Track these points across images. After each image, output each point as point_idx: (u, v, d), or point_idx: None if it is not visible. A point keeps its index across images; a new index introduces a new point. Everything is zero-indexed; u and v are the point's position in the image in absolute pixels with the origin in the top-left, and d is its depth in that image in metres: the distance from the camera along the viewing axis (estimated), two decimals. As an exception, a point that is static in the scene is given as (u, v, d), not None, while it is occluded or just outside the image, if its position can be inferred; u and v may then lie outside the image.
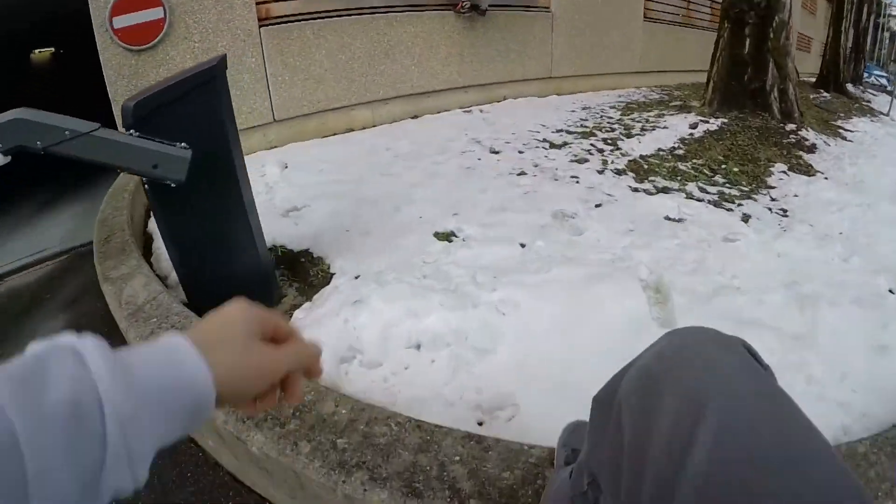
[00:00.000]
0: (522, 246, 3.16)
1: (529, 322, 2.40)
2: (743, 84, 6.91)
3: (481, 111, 6.85)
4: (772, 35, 6.67)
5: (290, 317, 2.64)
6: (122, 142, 2.02)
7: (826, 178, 5.17)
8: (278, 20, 5.61)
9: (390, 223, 3.55)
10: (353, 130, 6.21)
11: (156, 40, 4.87)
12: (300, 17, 5.73)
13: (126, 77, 4.85)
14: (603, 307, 2.49)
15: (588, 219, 3.57)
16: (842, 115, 9.96)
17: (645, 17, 10.16)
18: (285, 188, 4.24)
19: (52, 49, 10.22)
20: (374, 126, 6.38)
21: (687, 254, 3.13)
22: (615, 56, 9.51)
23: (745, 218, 3.90)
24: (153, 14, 4.80)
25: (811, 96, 11.07)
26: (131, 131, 2.04)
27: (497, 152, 4.99)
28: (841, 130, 7.77)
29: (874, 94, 18.51)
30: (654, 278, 2.81)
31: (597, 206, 3.78)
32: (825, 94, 13.17)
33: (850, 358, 2.30)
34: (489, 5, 6.89)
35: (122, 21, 4.65)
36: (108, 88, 4.82)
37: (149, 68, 4.93)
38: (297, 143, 5.71)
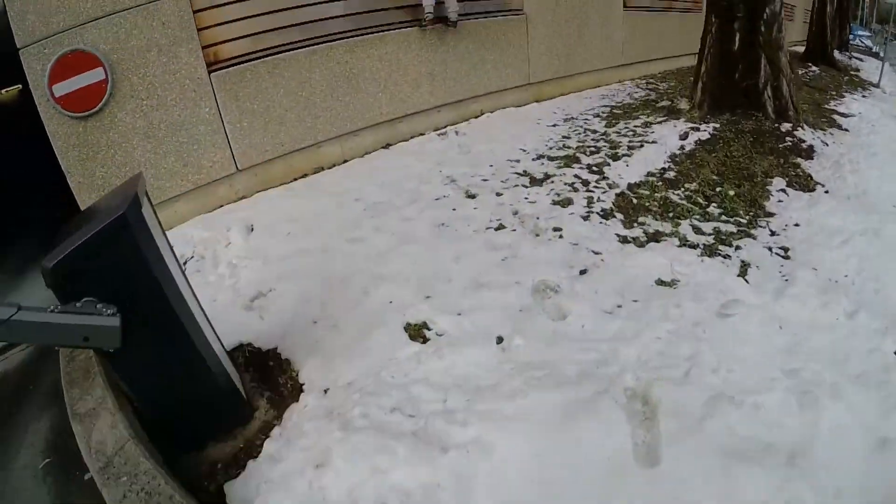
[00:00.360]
0: (500, 341, 2.90)
1: (505, 471, 2.17)
2: (734, 83, 6.59)
3: (457, 133, 6.46)
4: (763, 28, 6.32)
5: (261, 447, 2.56)
6: (45, 322, 1.91)
7: (827, 192, 4.92)
8: (228, 63, 5.23)
9: (359, 311, 3.29)
10: (322, 169, 5.86)
11: (101, 103, 4.59)
12: (251, 57, 5.35)
13: (76, 147, 4.59)
14: (582, 447, 2.25)
15: (572, 294, 3.25)
16: (833, 92, 9.94)
17: (625, 6, 9.72)
18: (250, 265, 3.98)
19: (20, 86, 9.92)
20: (345, 162, 6.01)
21: (679, 347, 2.83)
22: (596, 52, 9.09)
23: (744, 269, 3.63)
24: (93, 76, 4.53)
25: (800, 72, 10.82)
26: (52, 307, 1.93)
27: (473, 196, 4.62)
28: (835, 116, 7.57)
29: (861, 59, 18.52)
30: (641, 386, 2.53)
31: (582, 272, 3.46)
32: (814, 67, 13.24)
33: (847, 464, 2.22)
34: (458, 15, 6.46)
35: (62, 88, 4.41)
36: (59, 161, 4.56)
37: (98, 134, 4.65)
38: (264, 193, 5.39)
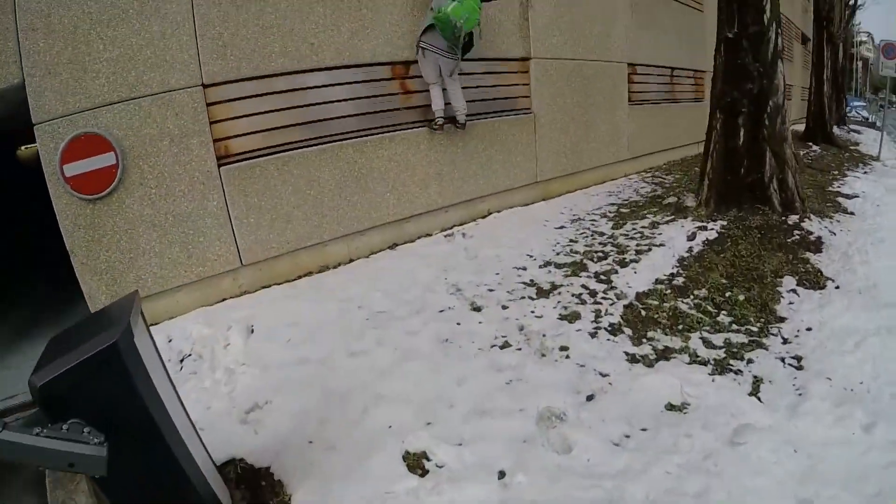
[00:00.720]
0: (502, 476, 2.78)
1: None
2: (739, 178, 6.60)
3: (463, 235, 6.45)
4: (767, 122, 6.38)
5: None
6: (29, 444, 1.81)
7: (838, 287, 4.84)
8: (239, 157, 5.30)
9: (357, 433, 3.18)
10: (328, 268, 5.84)
11: (110, 188, 4.66)
12: (261, 153, 5.42)
13: (83, 228, 4.62)
14: None
15: (578, 423, 3.13)
16: (835, 172, 10.14)
17: (630, 101, 9.91)
18: (248, 372, 3.88)
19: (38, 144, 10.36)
20: (351, 261, 6.00)
21: (689, 483, 2.70)
22: (603, 148, 9.21)
23: (756, 386, 3.53)
24: (105, 160, 4.60)
25: (801, 153, 10.92)
26: (38, 429, 1.83)
27: (479, 309, 4.55)
28: (840, 199, 7.62)
29: (858, 132, 18.77)
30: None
31: (589, 397, 3.35)
32: (814, 147, 13.53)
33: None
34: (467, 116, 6.57)
35: (73, 168, 4.47)
36: (64, 240, 4.58)
37: (105, 218, 4.69)
38: (268, 290, 5.35)
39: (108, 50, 4.59)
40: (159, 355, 2.42)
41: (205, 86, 5.01)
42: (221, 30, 5.06)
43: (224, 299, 5.23)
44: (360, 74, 6.02)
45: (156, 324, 4.75)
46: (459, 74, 6.43)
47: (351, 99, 5.97)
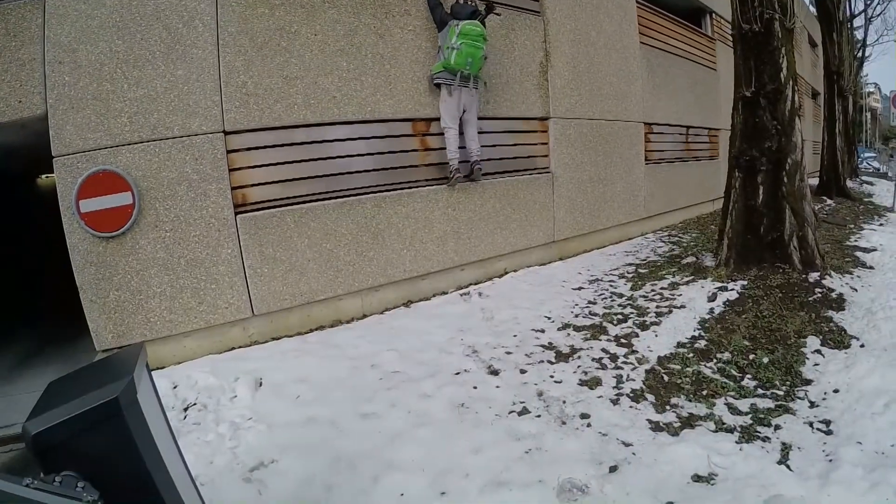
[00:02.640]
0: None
1: None
2: (759, 236, 6.50)
3: (480, 294, 6.36)
4: (786, 179, 6.32)
5: None
6: (21, 496, 1.59)
7: (863, 346, 4.66)
8: (256, 206, 5.31)
9: (366, 502, 3.03)
10: (340, 323, 5.76)
11: (124, 227, 4.68)
12: (279, 203, 5.43)
13: (94, 265, 4.63)
14: None
15: (601, 497, 2.96)
16: (852, 225, 10.09)
17: (646, 160, 9.92)
18: (254, 428, 3.76)
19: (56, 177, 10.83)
20: (364, 317, 5.93)
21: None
22: (619, 207, 9.19)
23: (785, 453, 3.34)
24: (122, 199, 4.63)
25: (817, 207, 10.89)
26: (28, 480, 1.60)
27: (496, 373, 4.42)
28: (858, 253, 7.53)
29: (871, 183, 18.76)
30: None
31: (612, 469, 3.19)
32: (829, 201, 13.58)
33: None
34: (482, 173, 6.59)
35: (89, 205, 4.50)
36: (74, 275, 4.59)
37: (117, 258, 4.69)
38: (278, 343, 5.26)
39: (132, 90, 4.68)
40: (163, 410, 2.33)
41: (226, 133, 5.07)
42: (246, 78, 5.13)
43: (233, 348, 5.17)
44: (381, 129, 6.06)
45: (161, 368, 4.69)
46: (478, 119, 6.50)
47: (371, 154, 6.00)
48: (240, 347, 5.20)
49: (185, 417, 3.99)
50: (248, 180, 5.29)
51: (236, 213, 5.16)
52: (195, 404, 4.14)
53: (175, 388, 4.34)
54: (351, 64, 5.75)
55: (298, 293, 5.54)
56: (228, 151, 5.12)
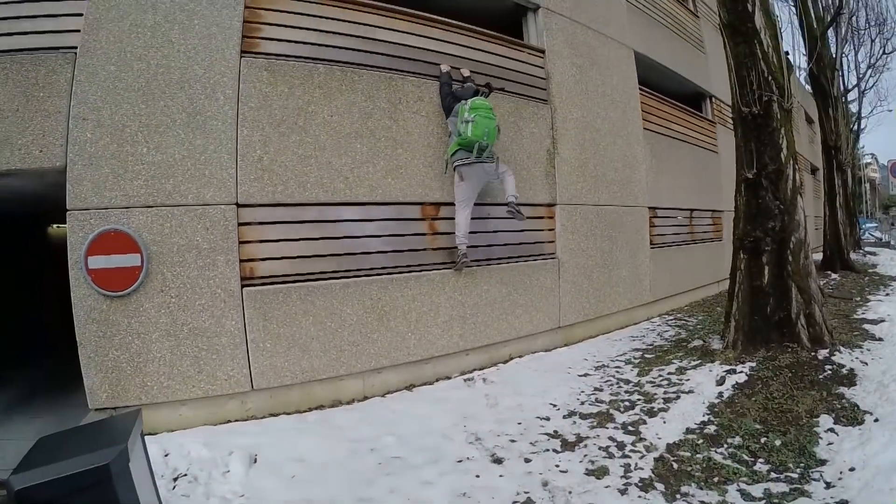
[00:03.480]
0: None
1: None
2: (766, 317, 6.42)
3: (484, 380, 6.26)
4: (790, 258, 6.31)
5: None
6: None
7: (877, 421, 4.52)
8: (263, 281, 5.33)
9: None
10: (340, 403, 5.67)
11: (130, 288, 4.71)
12: (287, 280, 5.45)
13: (96, 322, 4.63)
14: None
15: None
16: (858, 298, 10.02)
17: (651, 244, 9.95)
18: None
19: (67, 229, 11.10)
20: (365, 399, 5.83)
21: None
22: (625, 292, 9.17)
23: (803, 541, 3.18)
24: (130, 260, 4.68)
25: (822, 282, 10.86)
26: None
27: (500, 461, 4.30)
28: (866, 326, 7.45)
29: (874, 254, 18.78)
30: None
31: (621, 572, 3.07)
32: (833, 275, 13.60)
33: None
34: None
35: (97, 262, 4.56)
36: (76, 330, 4.57)
37: (120, 317, 4.69)
38: (276, 419, 5.19)
39: (151, 154, 4.82)
40: (153, 480, 2.27)
41: (239, 205, 5.16)
42: (262, 153, 5.27)
43: (229, 421, 5.10)
44: (391, 212, 6.16)
45: (154, 434, 4.58)
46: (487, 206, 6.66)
47: (380, 235, 6.06)
48: (236, 421, 5.12)
49: (174, 487, 3.89)
50: (258, 254, 5.33)
51: (243, 286, 5.19)
52: (186, 475, 4.05)
53: (166, 455, 4.25)
54: (364, 146, 5.90)
55: (300, 370, 5.49)
56: (240, 224, 5.19)
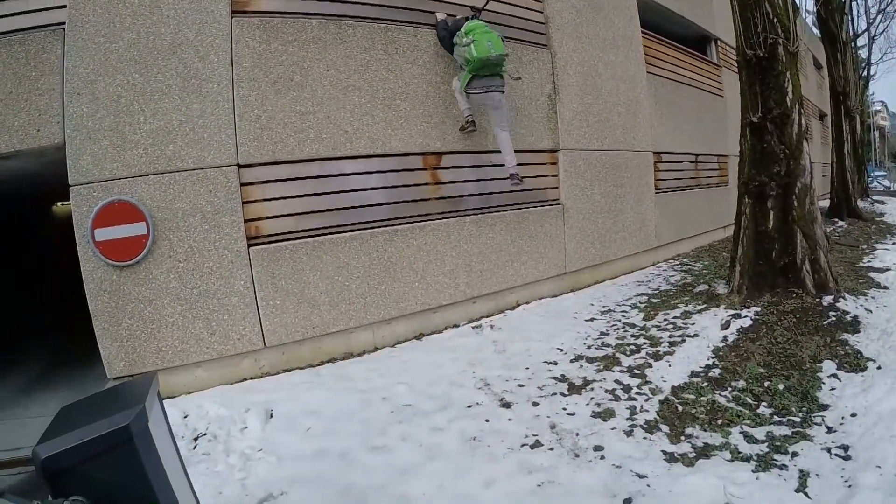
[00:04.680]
0: None
1: None
2: (771, 262, 6.45)
3: (492, 327, 6.35)
4: (796, 203, 6.29)
5: None
6: None
7: (879, 368, 4.58)
8: (269, 239, 5.37)
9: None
10: (352, 355, 5.77)
11: (138, 257, 4.76)
12: (292, 236, 5.48)
13: (107, 293, 4.69)
14: None
15: (616, 532, 2.93)
16: (864, 246, 10.02)
17: (656, 189, 9.92)
18: (263, 460, 3.76)
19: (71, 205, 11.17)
20: (375, 350, 5.93)
21: None
22: (630, 237, 9.18)
23: (803, 481, 3.27)
24: (136, 229, 4.72)
25: (828, 229, 10.82)
26: (37, 503, 1.67)
27: (508, 406, 4.39)
28: (872, 274, 7.48)
29: (882, 202, 18.67)
30: None
31: (626, 501, 3.13)
32: (840, 222, 13.54)
33: None
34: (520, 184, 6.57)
35: (103, 234, 4.60)
36: (88, 302, 4.65)
37: (131, 286, 4.76)
38: (289, 375, 5.28)
39: (148, 122, 4.80)
40: (173, 439, 2.32)
41: (240, 166, 5.16)
42: (259, 112, 5.23)
43: (244, 380, 5.19)
44: (393, 164, 6.14)
45: (172, 397, 4.71)
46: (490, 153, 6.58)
47: (383, 188, 6.06)
48: (251, 379, 5.21)
49: (195, 447, 4.00)
50: (262, 213, 5.35)
51: (249, 246, 5.22)
52: (205, 434, 4.15)
53: (186, 417, 4.36)
54: (363, 99, 5.85)
55: (310, 326, 5.56)
56: (242, 184, 5.20)
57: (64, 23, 4.67)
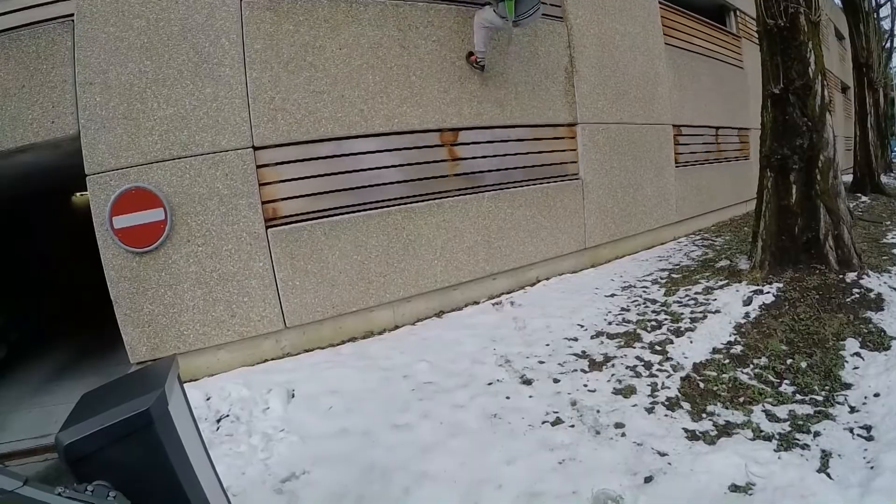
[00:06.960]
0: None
1: None
2: (794, 237, 6.36)
3: (512, 304, 6.34)
4: (819, 177, 6.18)
5: None
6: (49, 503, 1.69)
7: None
8: (286, 220, 5.38)
9: (397, 518, 2.99)
10: (372, 334, 5.80)
11: (157, 243, 4.81)
12: (309, 217, 5.48)
13: (128, 280, 4.75)
14: None
15: (636, 509, 2.94)
16: (888, 222, 9.94)
17: (676, 162, 9.79)
18: (286, 439, 3.81)
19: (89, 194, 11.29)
20: (396, 328, 5.96)
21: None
22: (651, 211, 9.08)
23: (825, 461, 3.27)
24: (154, 215, 4.76)
25: (852, 205, 10.69)
26: (61, 489, 1.68)
27: (529, 382, 4.39)
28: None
29: None
30: None
31: (647, 480, 3.15)
32: (864, 197, 13.33)
33: None
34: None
35: (122, 221, 4.64)
36: (109, 289, 4.71)
37: (150, 272, 4.82)
38: (310, 355, 5.34)
39: (162, 108, 4.81)
40: (194, 421, 2.35)
41: (255, 148, 5.15)
42: (273, 94, 5.21)
43: (265, 360, 5.25)
44: (409, 141, 6.09)
45: (195, 380, 4.77)
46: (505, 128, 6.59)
47: (399, 165, 6.02)
48: (272, 360, 5.26)
49: (217, 429, 4.05)
50: (279, 194, 5.35)
51: (267, 227, 5.23)
52: (228, 416, 4.20)
53: (208, 399, 4.41)
54: (377, 76, 5.79)
55: (330, 305, 5.59)
56: (258, 166, 5.20)
57: (73, 14, 4.66)
